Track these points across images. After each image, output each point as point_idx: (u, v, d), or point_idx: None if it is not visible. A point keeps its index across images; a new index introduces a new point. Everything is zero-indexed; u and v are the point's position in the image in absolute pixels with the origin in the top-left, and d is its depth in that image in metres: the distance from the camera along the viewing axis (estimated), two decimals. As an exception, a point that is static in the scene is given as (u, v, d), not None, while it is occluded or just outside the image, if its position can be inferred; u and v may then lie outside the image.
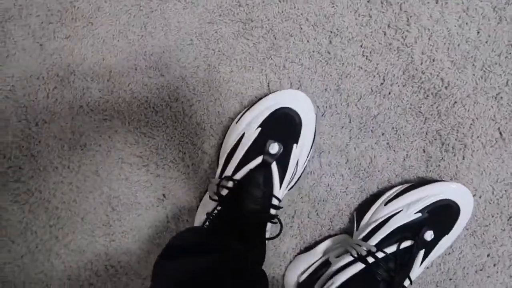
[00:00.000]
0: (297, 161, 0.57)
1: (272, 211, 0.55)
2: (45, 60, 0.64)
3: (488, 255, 0.62)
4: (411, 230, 0.55)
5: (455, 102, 0.60)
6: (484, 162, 0.60)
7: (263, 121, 0.56)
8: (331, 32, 0.60)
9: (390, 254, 0.53)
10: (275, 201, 0.55)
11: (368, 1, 0.59)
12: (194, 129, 0.63)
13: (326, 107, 0.62)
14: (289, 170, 0.55)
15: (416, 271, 0.55)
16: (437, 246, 0.56)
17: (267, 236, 0.58)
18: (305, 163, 0.60)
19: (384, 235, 0.55)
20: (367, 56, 0.60)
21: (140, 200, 0.65)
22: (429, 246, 0.56)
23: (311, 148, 0.59)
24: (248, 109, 0.58)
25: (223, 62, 0.62)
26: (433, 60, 0.59)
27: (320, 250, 0.62)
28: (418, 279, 0.63)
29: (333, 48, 0.60)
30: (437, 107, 0.60)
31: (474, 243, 0.62)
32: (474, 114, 0.60)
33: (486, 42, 0.58)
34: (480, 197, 0.61)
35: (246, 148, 0.55)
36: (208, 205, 0.58)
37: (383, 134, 0.61)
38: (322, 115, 0.62)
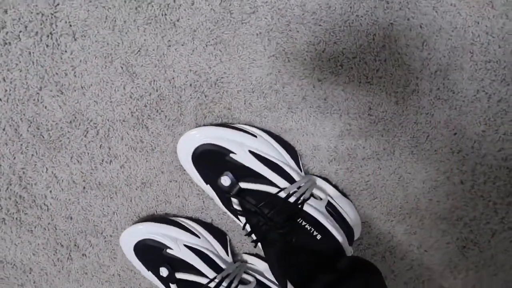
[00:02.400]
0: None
1: None
2: None
3: None
4: (224, 197, 0.53)
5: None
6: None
7: None
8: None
9: (246, 221, 0.53)
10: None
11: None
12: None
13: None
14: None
15: (274, 180, 0.52)
16: (244, 163, 0.52)
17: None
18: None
19: (233, 217, 0.56)
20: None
21: None
22: (241, 174, 0.52)
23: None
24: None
25: None
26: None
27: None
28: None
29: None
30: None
31: None
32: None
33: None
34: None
35: None
36: None
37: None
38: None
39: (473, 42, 0.54)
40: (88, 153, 0.56)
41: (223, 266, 0.59)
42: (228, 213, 0.56)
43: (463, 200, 0.65)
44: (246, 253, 0.65)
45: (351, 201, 0.63)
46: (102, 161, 0.56)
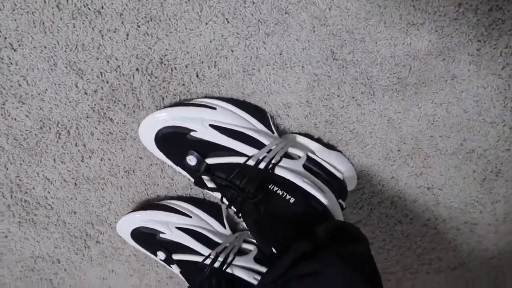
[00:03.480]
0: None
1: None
2: None
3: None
4: (195, 175, 0.52)
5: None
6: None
7: None
8: None
9: (221, 195, 0.53)
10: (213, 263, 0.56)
11: None
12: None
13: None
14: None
15: (241, 149, 0.51)
16: (207, 138, 0.51)
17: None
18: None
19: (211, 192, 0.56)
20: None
21: None
22: (205, 150, 0.51)
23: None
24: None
25: None
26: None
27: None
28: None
29: None
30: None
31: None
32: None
33: None
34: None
35: None
36: None
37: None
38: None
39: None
40: (67, 153, 0.58)
41: (219, 240, 0.59)
42: (203, 190, 0.55)
43: (470, 130, 0.58)
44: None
45: (340, 152, 0.59)
46: (83, 158, 0.58)
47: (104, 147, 0.58)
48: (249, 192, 0.49)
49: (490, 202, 0.65)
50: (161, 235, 0.58)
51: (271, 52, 0.51)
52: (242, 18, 0.49)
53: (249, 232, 0.63)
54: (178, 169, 0.54)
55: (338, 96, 0.54)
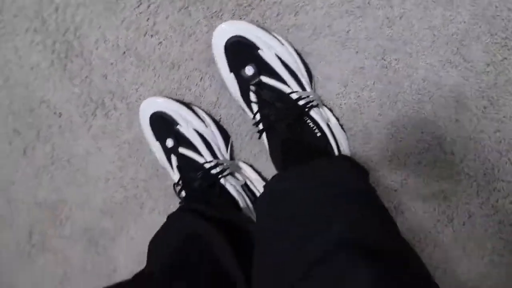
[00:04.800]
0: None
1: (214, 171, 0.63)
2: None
3: (379, 9, 0.67)
4: (243, 84, 0.60)
5: None
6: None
7: None
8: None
9: (258, 109, 0.60)
10: (208, 165, 0.63)
11: None
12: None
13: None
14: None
15: (290, 84, 0.59)
16: (268, 61, 0.59)
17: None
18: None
19: (246, 107, 0.62)
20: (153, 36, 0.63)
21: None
22: (262, 70, 0.59)
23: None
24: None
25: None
26: None
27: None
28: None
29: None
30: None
31: (359, 16, 0.68)
32: None
33: None
34: None
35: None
36: None
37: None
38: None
39: (493, 16, 0.58)
40: (136, 23, 0.65)
41: (220, 157, 0.66)
42: (241, 102, 0.62)
43: (448, 172, 0.69)
44: (242, 161, 0.73)
45: (347, 137, 0.69)
46: (146, 33, 0.65)
47: (169, 34, 0.65)
48: (286, 115, 0.58)
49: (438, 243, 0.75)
50: (178, 127, 0.64)
51: (342, 27, 0.62)
52: (336, -11, 0.60)
53: (241, 164, 0.70)
54: (230, 75, 0.61)
55: (370, 90, 0.65)
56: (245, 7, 0.62)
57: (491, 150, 0.67)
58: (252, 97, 0.60)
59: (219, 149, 0.67)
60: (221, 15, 0.63)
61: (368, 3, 0.60)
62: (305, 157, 0.57)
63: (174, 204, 0.77)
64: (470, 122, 0.65)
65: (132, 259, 0.84)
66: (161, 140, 0.65)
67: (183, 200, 0.64)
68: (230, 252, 0.49)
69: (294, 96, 0.58)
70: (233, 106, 0.69)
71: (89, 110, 0.72)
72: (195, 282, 0.46)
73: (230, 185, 0.64)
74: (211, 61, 0.66)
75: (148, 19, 0.65)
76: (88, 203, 0.80)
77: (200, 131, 0.65)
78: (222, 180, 0.63)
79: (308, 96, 0.60)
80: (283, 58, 0.60)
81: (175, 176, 0.65)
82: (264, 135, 0.62)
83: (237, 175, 0.68)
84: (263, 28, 0.61)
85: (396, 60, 0.63)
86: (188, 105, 0.67)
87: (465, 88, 0.63)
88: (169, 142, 0.64)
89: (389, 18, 0.61)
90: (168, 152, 0.65)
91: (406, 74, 0.63)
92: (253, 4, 0.62)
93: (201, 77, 0.68)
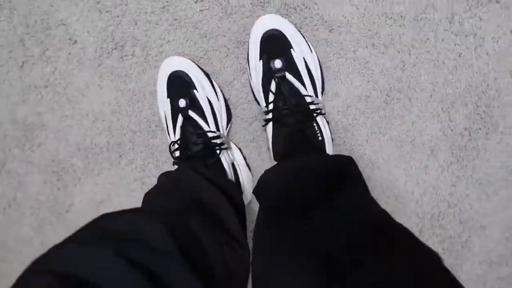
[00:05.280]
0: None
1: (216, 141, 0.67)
2: (39, 170, 0.74)
3: (398, 52, 0.73)
4: (268, 74, 0.65)
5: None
6: None
7: None
8: None
9: (273, 100, 0.65)
10: (211, 134, 0.67)
11: None
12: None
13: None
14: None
15: (307, 87, 0.65)
16: (297, 61, 0.65)
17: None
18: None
19: (262, 96, 0.67)
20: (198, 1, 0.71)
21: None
22: (289, 67, 0.65)
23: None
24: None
25: (127, 80, 0.73)
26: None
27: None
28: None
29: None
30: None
31: (381, 52, 0.76)
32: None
33: None
34: (353, 19, 0.72)
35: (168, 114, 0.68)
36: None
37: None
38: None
39: (483, 91, 0.70)
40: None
41: (221, 131, 0.70)
42: (259, 90, 0.67)
43: (403, 210, 0.79)
44: (233, 143, 0.77)
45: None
46: (190, -5, 0.68)
47: (212, 5, 0.69)
48: (297, 112, 0.64)
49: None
50: (194, 91, 0.67)
51: (364, 56, 0.70)
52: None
53: (232, 145, 0.75)
54: (258, 63, 0.66)
55: (366, 117, 0.73)
56: (290, 8, 0.68)
57: (443, 200, 0.78)
58: (273, 87, 0.65)
59: (221, 125, 0.71)
60: (266, 7, 0.68)
61: (393, 44, 0.69)
62: (307, 151, 0.63)
63: (153, 163, 0.79)
64: (435, 170, 0.76)
65: (88, 205, 0.83)
66: (174, 98, 0.68)
67: (177, 160, 0.67)
68: (234, 215, 0.53)
69: (308, 99, 0.65)
70: (244, 91, 0.73)
71: (106, 48, 0.72)
72: (210, 222, 0.49)
73: (225, 159, 0.68)
74: (241, 44, 0.70)
75: (200, -16, 0.68)
76: (67, 136, 0.79)
77: (212, 101, 0.68)
78: (218, 152, 0.67)
79: (318, 103, 0.66)
80: (308, 64, 0.67)
81: (173, 136, 0.68)
82: (270, 125, 0.67)
83: (229, 152, 0.72)
84: (300, 31, 0.67)
85: (398, 99, 0.72)
86: (207, 75, 0.70)
87: (441, 142, 0.74)
88: (182, 103, 0.67)
89: (405, 62, 0.70)
90: (177, 111, 0.67)
91: (401, 114, 0.73)
92: (298, 8, 0.68)
93: (227, 55, 0.72)
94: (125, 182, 0.81)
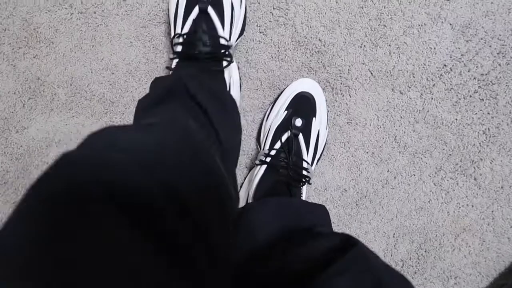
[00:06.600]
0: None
1: (223, 50, 0.63)
2: (18, 77, 0.76)
3: (388, 171, 0.78)
4: (285, 125, 0.69)
5: (333, 55, 0.75)
6: (365, 97, 0.76)
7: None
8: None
9: (278, 148, 0.67)
10: (223, 41, 0.63)
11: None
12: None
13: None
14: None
15: (308, 154, 0.69)
16: (312, 129, 0.70)
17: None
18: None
19: (270, 139, 0.69)
20: (262, 32, 0.75)
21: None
22: (304, 130, 0.69)
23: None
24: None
25: (158, 55, 0.76)
26: (310, 27, 0.74)
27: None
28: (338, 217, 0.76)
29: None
30: (321, 61, 0.75)
31: (375, 163, 0.78)
32: (349, 62, 0.75)
33: (344, 8, 0.74)
34: (370, 125, 0.77)
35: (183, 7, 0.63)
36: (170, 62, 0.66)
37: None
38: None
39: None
40: None
41: (232, 41, 0.66)
42: (270, 133, 0.71)
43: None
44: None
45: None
46: None
47: (270, 44, 0.74)
48: (293, 170, 0.68)
49: None
50: None
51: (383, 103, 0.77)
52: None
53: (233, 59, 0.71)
54: (281, 111, 0.71)
55: (373, 149, 0.79)
56: (328, 85, 0.75)
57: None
58: (284, 137, 0.68)
59: (234, 35, 0.68)
60: (311, 73, 0.75)
61: (387, 162, 0.77)
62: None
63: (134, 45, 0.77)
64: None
65: (42, 139, 0.78)
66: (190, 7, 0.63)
67: (177, 56, 0.63)
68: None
69: (305, 164, 0.69)
70: (267, 18, 0.76)
71: (158, 17, 0.73)
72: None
73: (228, 73, 0.66)
74: (274, 88, 0.75)
75: None
76: (68, 65, 0.75)
77: (234, 6, 0.66)
78: (225, 65, 0.65)
79: (309, 172, 0.71)
80: (319, 135, 0.72)
81: (180, 29, 0.63)
82: (263, 167, 0.69)
83: (231, 66, 0.68)
84: (326, 106, 0.74)
85: (366, 207, 0.79)
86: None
87: (378, 260, 0.81)
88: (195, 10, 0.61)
89: (388, 182, 0.78)
90: (194, 2, 0.62)
91: (361, 220, 0.80)
92: (336, 89, 0.75)
93: (257, 89, 0.75)
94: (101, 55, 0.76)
